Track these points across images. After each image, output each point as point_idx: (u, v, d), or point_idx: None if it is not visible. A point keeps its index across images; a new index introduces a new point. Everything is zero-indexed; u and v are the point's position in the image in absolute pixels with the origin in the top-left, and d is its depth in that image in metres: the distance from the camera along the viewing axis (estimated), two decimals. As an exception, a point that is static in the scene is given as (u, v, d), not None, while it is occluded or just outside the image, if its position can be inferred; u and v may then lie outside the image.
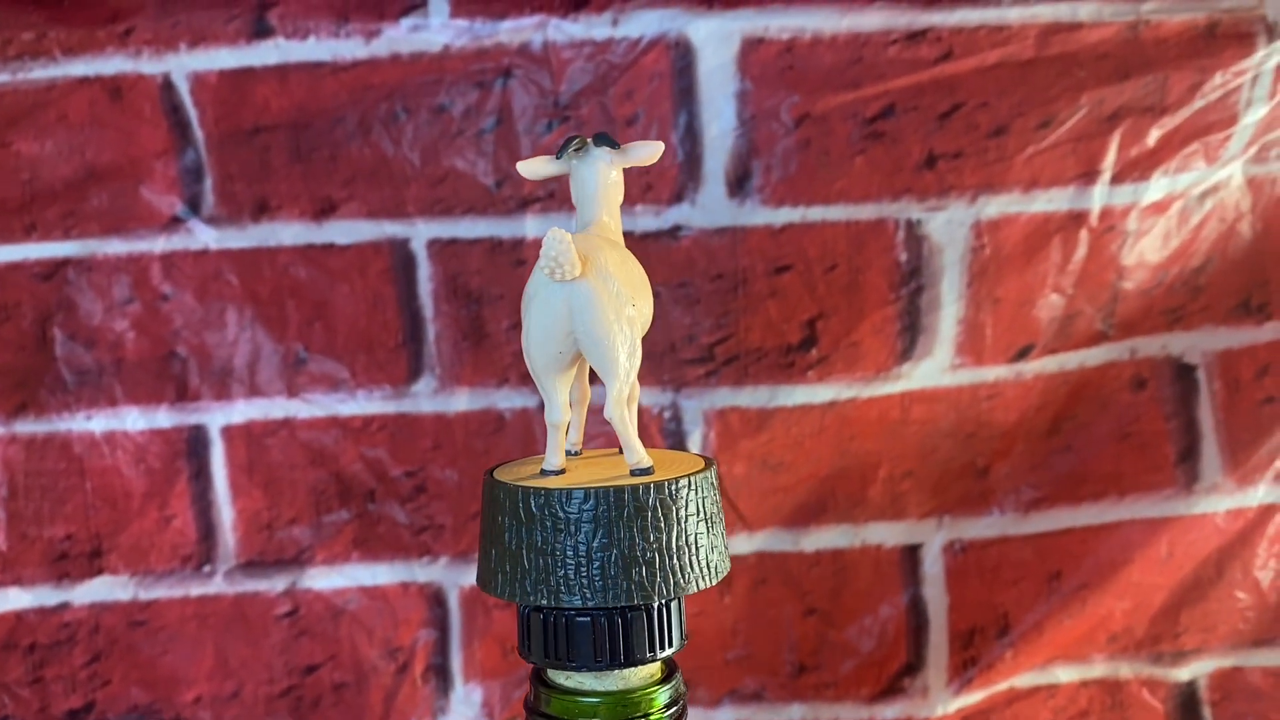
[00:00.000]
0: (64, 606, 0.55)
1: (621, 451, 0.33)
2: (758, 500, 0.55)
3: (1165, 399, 0.55)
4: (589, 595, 0.30)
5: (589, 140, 0.34)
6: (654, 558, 0.31)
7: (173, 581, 0.55)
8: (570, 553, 0.31)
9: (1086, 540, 0.55)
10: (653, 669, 0.32)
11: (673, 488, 0.31)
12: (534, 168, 0.34)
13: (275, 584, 0.55)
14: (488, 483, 0.33)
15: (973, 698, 0.55)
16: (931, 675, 0.56)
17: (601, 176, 0.34)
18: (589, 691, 0.32)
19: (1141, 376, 0.55)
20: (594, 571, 0.30)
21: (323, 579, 0.55)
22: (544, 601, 0.31)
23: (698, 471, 0.32)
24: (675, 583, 0.31)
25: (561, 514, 0.31)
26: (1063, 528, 0.55)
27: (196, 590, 0.55)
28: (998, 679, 0.55)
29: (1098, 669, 0.56)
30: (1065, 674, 0.56)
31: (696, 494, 0.31)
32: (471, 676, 0.56)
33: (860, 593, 0.56)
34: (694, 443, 0.54)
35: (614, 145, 0.34)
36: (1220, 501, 0.55)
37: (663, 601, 0.31)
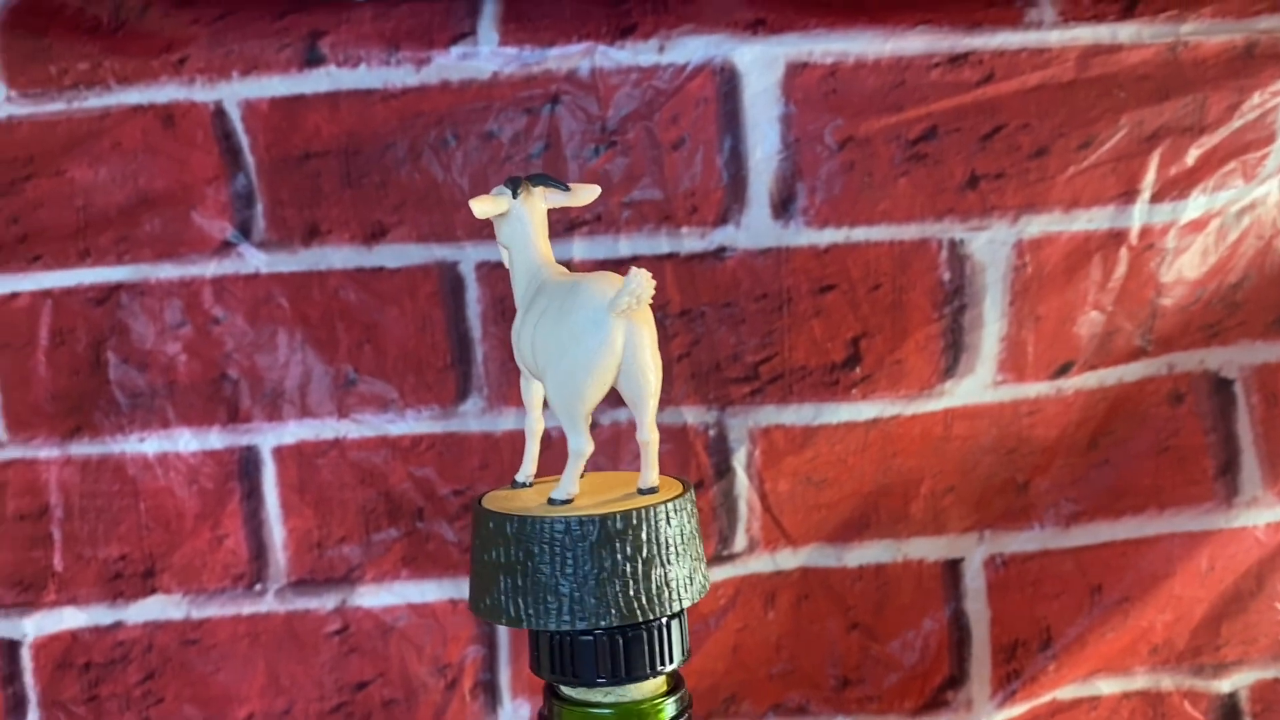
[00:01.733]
0: (118, 625, 0.56)
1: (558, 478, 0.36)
2: (801, 516, 0.56)
3: (1203, 413, 0.56)
4: (569, 618, 0.32)
5: (528, 180, 0.36)
6: (630, 581, 0.32)
7: (225, 600, 0.56)
8: (552, 577, 0.32)
9: (1127, 553, 0.56)
10: (659, 682, 0.33)
11: (648, 514, 0.32)
12: (485, 207, 0.35)
13: (326, 602, 0.56)
14: (476, 511, 0.34)
15: (1016, 710, 0.56)
16: (975, 688, 0.56)
17: (541, 215, 0.36)
18: (598, 704, 0.33)
19: (1179, 391, 0.56)
20: (575, 594, 0.32)
21: (372, 597, 0.56)
22: (529, 624, 0.32)
23: (674, 497, 0.33)
24: (652, 604, 0.32)
25: (543, 540, 0.32)
26: (1103, 541, 0.56)
27: (248, 609, 0.56)
28: (1041, 691, 0.56)
29: (1139, 681, 0.57)
30: (1107, 686, 0.57)
31: (673, 519, 0.33)
32: (520, 692, 0.57)
33: (903, 607, 0.57)
34: (739, 460, 0.55)
35: (563, 187, 0.36)
36: (1260, 515, 0.55)
37: (660, 619, 0.33)
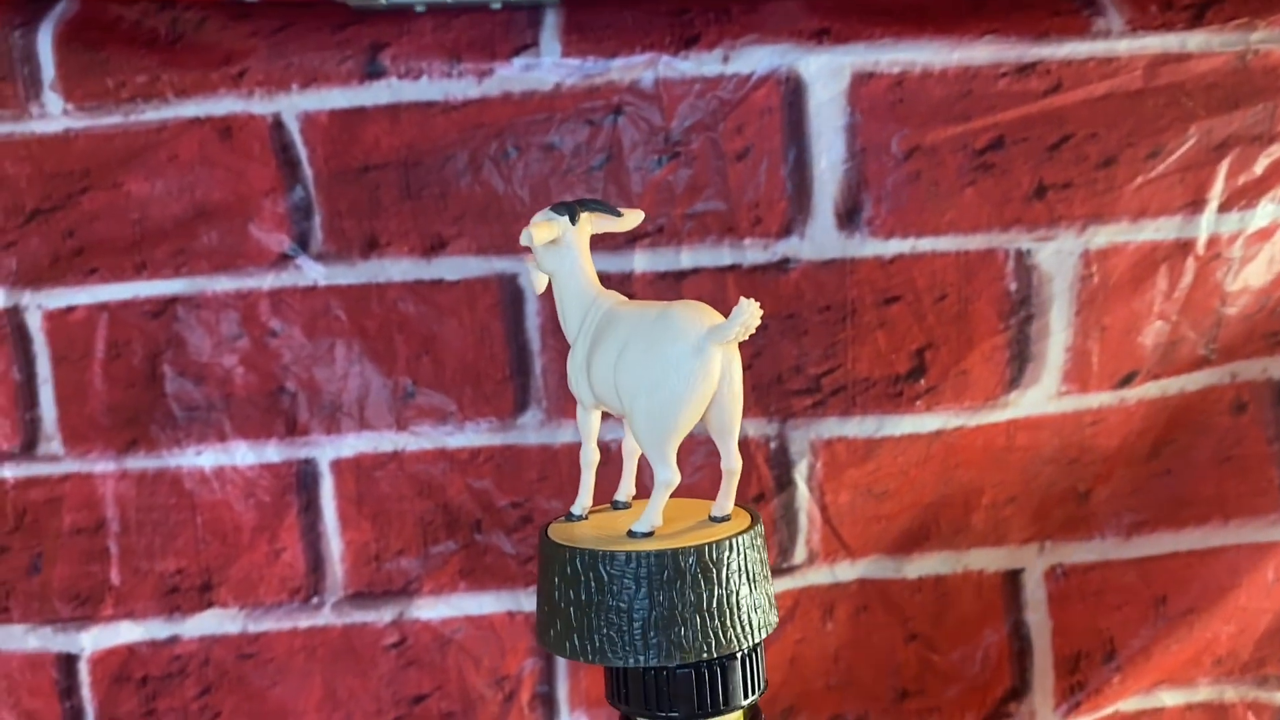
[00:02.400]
0: (175, 640, 0.56)
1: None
2: (862, 528, 0.55)
3: (1267, 422, 0.55)
4: (630, 654, 0.32)
5: (579, 205, 0.36)
6: (694, 618, 0.32)
7: (281, 614, 0.56)
8: (614, 613, 0.32)
9: (1191, 564, 0.55)
10: (737, 715, 0.33)
11: (714, 551, 0.32)
12: (543, 234, 0.35)
13: (383, 615, 0.56)
14: (543, 541, 0.34)
15: (1080, 723, 0.56)
16: (1038, 699, 0.56)
17: (587, 240, 0.36)
18: None
19: (1242, 400, 0.55)
20: (635, 630, 0.32)
21: (430, 609, 0.56)
22: (596, 659, 0.32)
23: (741, 532, 0.33)
24: (717, 642, 0.32)
25: (605, 575, 0.32)
26: (1166, 552, 0.56)
27: (305, 622, 0.56)
28: (1104, 704, 0.56)
29: (1203, 693, 0.56)
30: (1171, 698, 0.56)
31: (739, 554, 0.33)
32: (578, 705, 0.56)
33: (963, 618, 0.56)
34: (800, 472, 0.54)
35: (615, 213, 0.36)
36: (1327, 526, 0.55)
37: (744, 651, 0.33)
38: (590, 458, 0.36)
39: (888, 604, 0.56)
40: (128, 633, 0.56)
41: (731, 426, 0.34)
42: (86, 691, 0.56)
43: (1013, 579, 0.56)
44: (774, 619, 0.34)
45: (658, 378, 0.33)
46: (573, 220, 0.35)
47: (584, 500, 0.36)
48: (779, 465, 0.54)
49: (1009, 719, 0.56)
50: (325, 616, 0.56)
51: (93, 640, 0.56)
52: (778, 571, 0.55)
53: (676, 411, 0.33)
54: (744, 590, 0.33)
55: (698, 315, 0.33)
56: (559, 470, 0.55)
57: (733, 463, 0.35)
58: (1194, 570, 0.55)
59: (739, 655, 0.33)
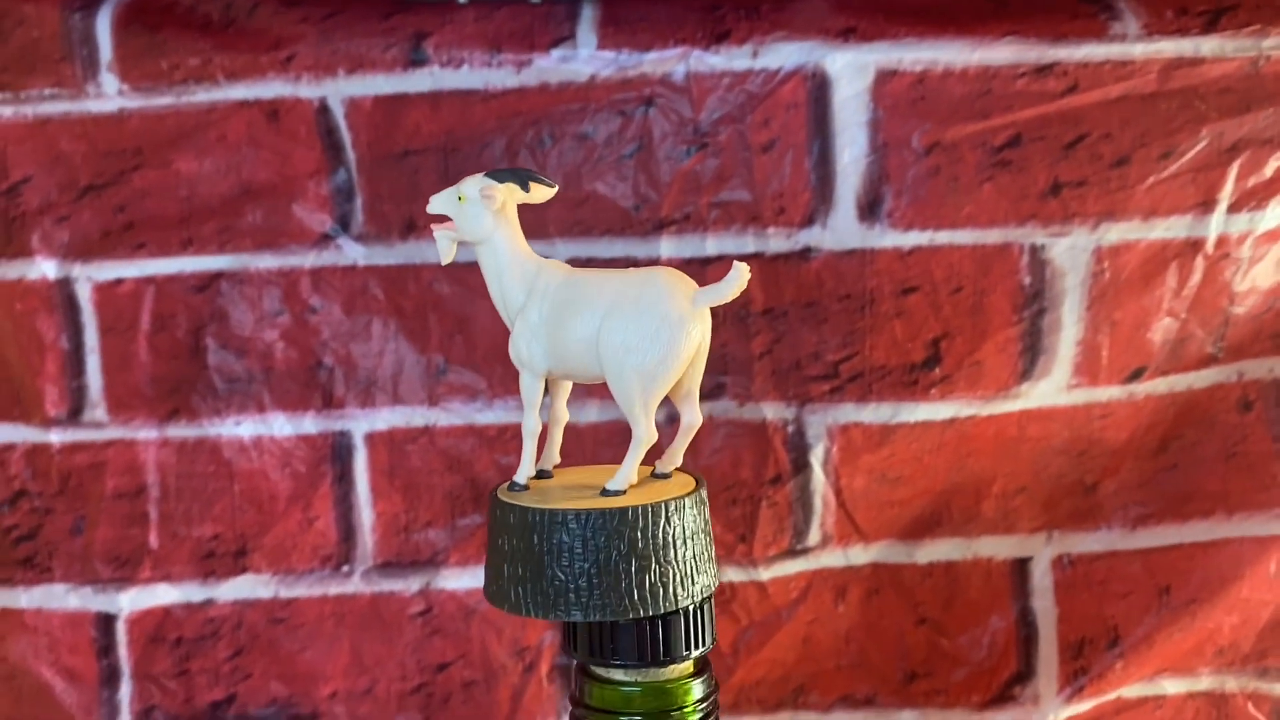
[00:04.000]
0: (209, 603, 0.58)
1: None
2: (875, 513, 0.57)
3: (1272, 420, 0.57)
4: (573, 610, 0.33)
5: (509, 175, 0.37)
6: (636, 576, 0.33)
7: (312, 581, 0.58)
8: (558, 569, 0.33)
9: (1195, 556, 0.57)
10: (686, 664, 0.35)
11: (657, 512, 0.33)
12: (503, 195, 0.36)
13: (410, 584, 0.58)
14: (492, 501, 0.35)
15: (1082, 707, 0.57)
16: (1042, 684, 0.57)
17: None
18: (627, 683, 0.35)
19: (1248, 398, 0.57)
20: (579, 587, 0.33)
21: (455, 580, 0.58)
22: (538, 614, 0.33)
23: (684, 495, 0.34)
24: (657, 601, 0.33)
25: (550, 533, 0.33)
26: (1171, 544, 0.57)
27: (335, 589, 0.58)
28: (1107, 689, 0.57)
29: (1204, 682, 0.58)
30: (1172, 686, 0.58)
31: (680, 516, 0.34)
32: (595, 677, 0.58)
33: (971, 604, 0.58)
34: (816, 456, 0.56)
35: (548, 184, 0.38)
36: (1328, 521, 0.56)
37: (694, 605, 0.34)
38: (534, 426, 0.37)
39: (899, 588, 0.58)
40: (164, 595, 0.58)
41: (696, 385, 0.36)
42: (123, 650, 0.58)
43: (1021, 567, 0.58)
44: (715, 580, 0.35)
45: (651, 339, 0.34)
46: (524, 186, 0.37)
47: (527, 469, 0.37)
48: (796, 449, 0.56)
49: (1013, 702, 0.58)
50: (355, 584, 0.58)
51: (131, 601, 0.58)
52: (793, 553, 0.57)
53: (667, 371, 0.34)
54: (684, 551, 0.34)
55: (681, 280, 0.35)
56: (583, 447, 0.57)
57: (697, 416, 0.36)
58: (1198, 562, 0.57)
59: (684, 611, 0.34)
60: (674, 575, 0.34)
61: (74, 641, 0.58)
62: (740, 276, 0.35)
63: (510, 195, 0.36)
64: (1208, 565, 0.57)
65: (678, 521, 0.34)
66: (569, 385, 0.38)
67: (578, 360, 0.35)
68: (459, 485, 0.57)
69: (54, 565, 0.58)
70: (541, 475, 0.38)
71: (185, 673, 0.58)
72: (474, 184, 0.36)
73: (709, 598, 0.35)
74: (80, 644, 0.58)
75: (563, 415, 0.38)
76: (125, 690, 0.58)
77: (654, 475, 0.37)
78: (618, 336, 0.34)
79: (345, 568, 0.58)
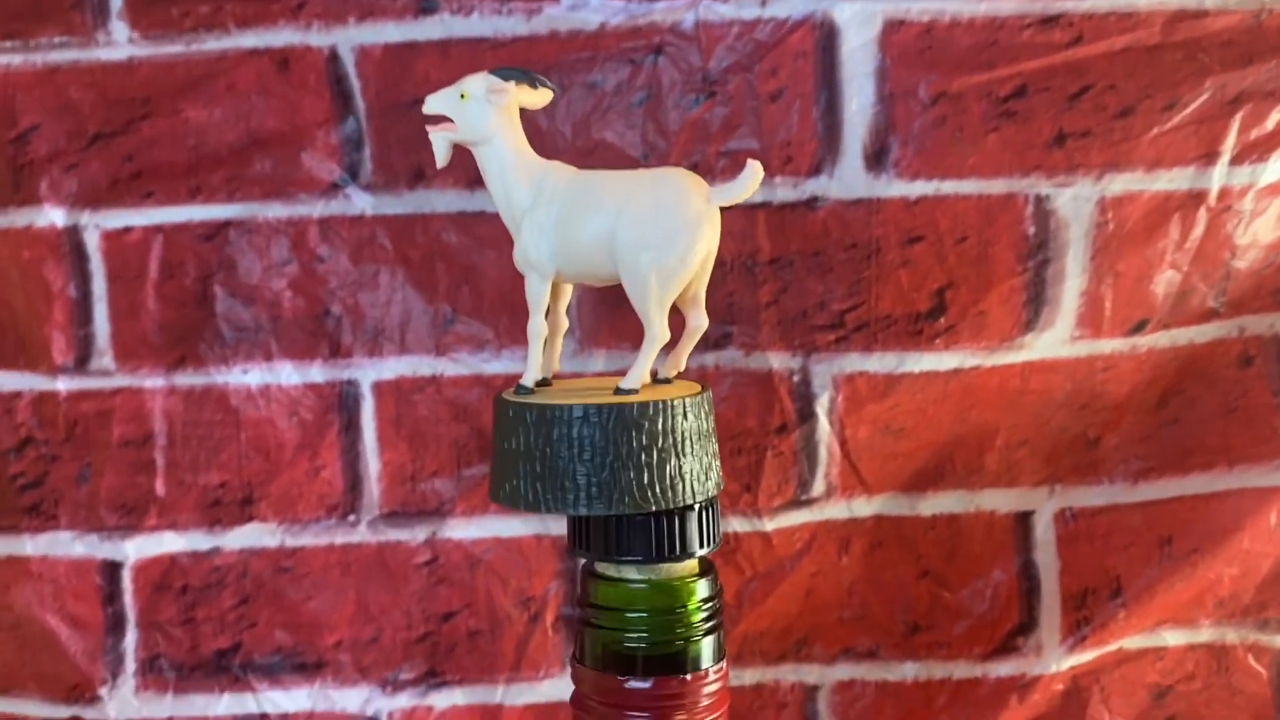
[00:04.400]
0: (215, 551, 0.58)
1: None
2: (879, 464, 0.57)
3: (1272, 375, 0.57)
4: (577, 504, 0.33)
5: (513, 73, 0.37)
6: (638, 473, 0.33)
7: (319, 529, 0.58)
8: (563, 464, 0.34)
9: (1196, 507, 0.57)
10: (692, 563, 0.35)
11: (660, 409, 0.34)
12: (516, 95, 0.36)
13: (416, 534, 0.58)
14: (497, 404, 0.36)
15: (1084, 657, 0.58)
16: (1045, 634, 0.58)
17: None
18: (636, 580, 0.35)
19: (1249, 354, 0.57)
20: (581, 482, 0.33)
21: (461, 530, 0.58)
22: (546, 509, 0.34)
23: (687, 395, 0.35)
24: (659, 499, 0.34)
25: (555, 429, 0.34)
26: (1172, 496, 0.58)
27: (341, 539, 0.58)
28: (1109, 639, 0.57)
29: (1205, 634, 0.58)
30: (1173, 638, 0.58)
31: (683, 416, 0.34)
32: (600, 628, 0.59)
33: (974, 556, 0.58)
34: (821, 405, 0.56)
35: (551, 87, 0.38)
36: (1328, 473, 0.57)
37: (700, 503, 0.34)
38: (541, 329, 0.37)
39: (902, 541, 0.58)
40: (170, 543, 0.58)
41: (703, 288, 0.36)
42: (129, 598, 0.58)
43: (1023, 520, 0.58)
44: (716, 485, 0.35)
45: (669, 237, 0.34)
46: (533, 85, 0.37)
47: (534, 372, 0.37)
48: (801, 398, 0.56)
49: (1016, 654, 0.58)
50: (361, 534, 0.58)
51: (136, 549, 0.58)
52: (797, 504, 0.58)
53: (685, 269, 0.35)
54: (686, 450, 0.34)
55: (695, 179, 0.36)
56: (589, 399, 0.57)
57: (702, 320, 0.37)
58: (1199, 513, 0.57)
59: (692, 509, 0.34)
60: (683, 472, 0.34)
61: (79, 589, 0.58)
62: (755, 174, 0.35)
63: (517, 94, 0.36)
64: (1208, 517, 0.57)
65: (687, 420, 0.34)
66: (569, 291, 0.38)
67: (589, 260, 0.35)
68: (465, 435, 0.58)
69: (60, 513, 0.58)
70: (542, 383, 0.38)
71: (190, 621, 0.58)
72: (478, 81, 0.36)
73: (714, 498, 0.35)
74: (86, 591, 0.58)
75: (563, 323, 0.38)
76: (130, 638, 0.58)
77: (656, 380, 0.37)
78: (635, 235, 0.34)
79: (351, 517, 0.58)
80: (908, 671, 0.59)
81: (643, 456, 0.33)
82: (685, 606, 0.35)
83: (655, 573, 0.35)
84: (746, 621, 0.58)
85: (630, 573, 0.35)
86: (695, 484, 0.34)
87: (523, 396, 0.36)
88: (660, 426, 0.34)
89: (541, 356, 0.37)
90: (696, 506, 0.34)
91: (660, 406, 0.34)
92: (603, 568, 0.35)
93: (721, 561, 0.58)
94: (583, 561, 0.36)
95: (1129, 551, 0.58)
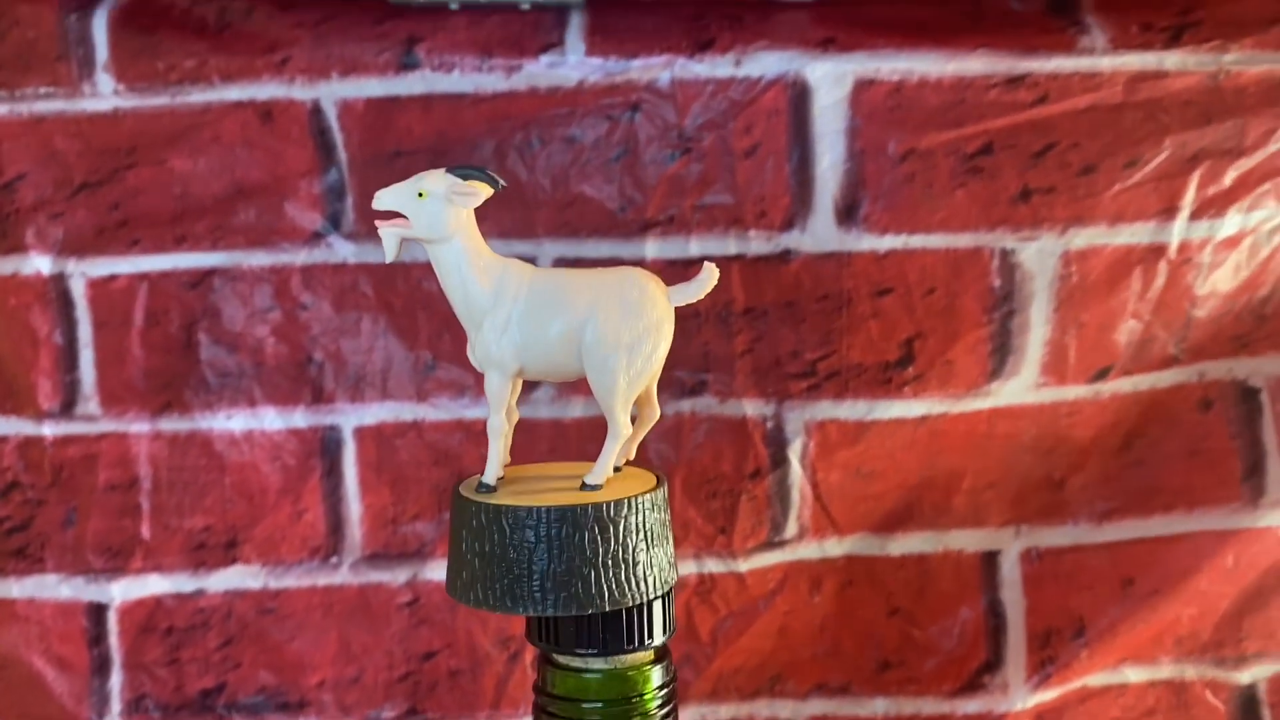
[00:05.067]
0: (200, 593, 0.59)
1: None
2: (849, 506, 0.59)
3: (1231, 419, 0.59)
4: (529, 605, 0.33)
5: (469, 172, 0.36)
6: (591, 573, 0.33)
7: (301, 572, 0.59)
8: (514, 565, 0.34)
9: (1157, 550, 0.59)
10: (647, 652, 0.36)
11: (614, 509, 0.34)
12: (484, 191, 0.35)
13: (397, 575, 0.59)
14: (454, 497, 0.36)
15: (1049, 694, 0.59)
16: (1010, 672, 0.59)
17: None
18: (589, 670, 0.35)
19: (1209, 398, 0.59)
20: (534, 582, 0.33)
21: (442, 571, 0.59)
22: (502, 609, 0.34)
23: (642, 493, 0.35)
24: (612, 597, 0.34)
25: (507, 528, 0.34)
26: (1134, 537, 0.59)
27: (323, 580, 0.59)
28: (1073, 678, 0.59)
29: (1165, 670, 0.60)
30: (1135, 674, 0.60)
31: (638, 514, 0.34)
32: (578, 666, 0.60)
33: (942, 595, 0.60)
34: (794, 451, 0.58)
35: (501, 182, 0.37)
36: (1283, 516, 0.59)
37: (652, 599, 0.35)
38: (502, 426, 0.36)
39: (872, 580, 0.60)
40: (155, 585, 0.59)
41: (655, 381, 0.37)
42: (114, 640, 0.59)
43: (990, 559, 0.60)
44: (672, 578, 0.35)
45: (638, 338, 0.35)
46: (493, 184, 0.36)
47: (495, 470, 0.36)
48: (775, 444, 0.58)
49: (983, 691, 0.60)
50: (343, 575, 0.59)
51: (122, 591, 0.59)
52: (771, 545, 0.59)
53: (650, 367, 0.36)
54: (641, 549, 0.34)
55: (656, 281, 0.36)
56: (568, 443, 0.59)
57: (655, 412, 0.38)
58: (1160, 555, 0.59)
59: (641, 604, 0.34)
60: (643, 568, 0.34)
61: (66, 631, 0.59)
62: (710, 277, 0.36)
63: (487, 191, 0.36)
64: (1169, 558, 0.59)
65: (646, 516, 0.34)
66: (520, 385, 0.38)
67: (554, 358, 0.36)
68: (446, 479, 0.59)
69: (46, 556, 0.59)
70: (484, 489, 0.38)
71: (176, 661, 0.59)
72: (437, 180, 0.35)
73: (671, 589, 0.36)
74: (72, 633, 0.59)
75: (514, 414, 0.38)
76: (116, 679, 0.59)
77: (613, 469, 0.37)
78: (603, 335, 0.35)
79: (334, 559, 0.59)
80: (878, 707, 0.60)
81: (602, 556, 0.34)
82: (641, 695, 0.35)
83: (612, 663, 0.35)
84: (722, 658, 0.60)
85: (586, 663, 0.35)
86: (654, 579, 0.35)
87: (483, 495, 0.36)
88: (620, 526, 0.34)
89: (501, 452, 0.37)
90: (645, 602, 0.35)
91: (619, 506, 0.34)
92: (557, 656, 0.36)
93: (698, 600, 0.59)
94: (538, 649, 0.37)
95: (1092, 591, 0.59)
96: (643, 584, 0.34)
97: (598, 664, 0.35)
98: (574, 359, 0.36)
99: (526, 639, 0.36)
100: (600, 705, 0.35)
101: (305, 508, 0.59)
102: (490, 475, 0.37)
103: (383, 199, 0.36)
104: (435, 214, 0.35)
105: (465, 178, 0.35)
